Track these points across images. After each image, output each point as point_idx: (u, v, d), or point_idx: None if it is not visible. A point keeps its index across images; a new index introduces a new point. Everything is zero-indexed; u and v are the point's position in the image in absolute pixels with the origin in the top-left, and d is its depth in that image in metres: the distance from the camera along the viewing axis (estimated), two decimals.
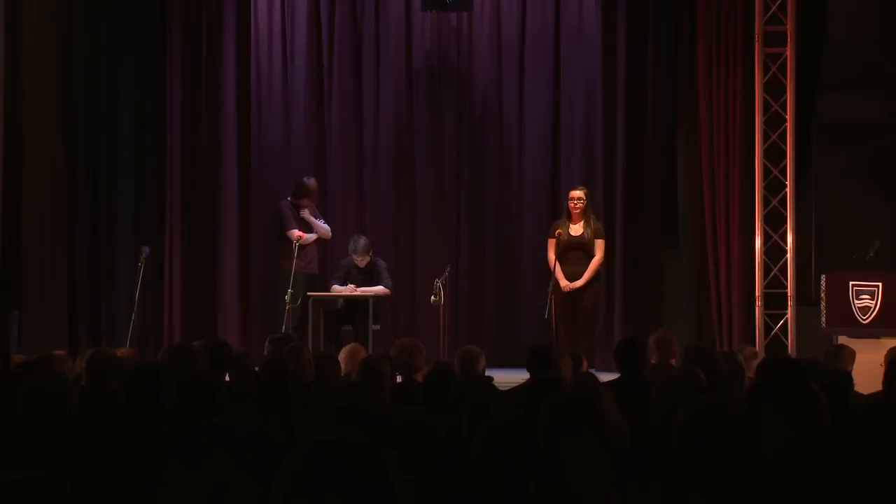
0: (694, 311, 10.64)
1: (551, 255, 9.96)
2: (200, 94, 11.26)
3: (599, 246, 10.03)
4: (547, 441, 3.03)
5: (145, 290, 10.36)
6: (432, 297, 9.97)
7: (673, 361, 6.64)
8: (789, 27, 10.31)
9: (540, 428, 3.22)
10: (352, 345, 7.10)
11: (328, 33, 11.41)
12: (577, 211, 9.99)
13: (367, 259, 10.30)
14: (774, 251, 10.37)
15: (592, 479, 3.25)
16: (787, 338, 10.19)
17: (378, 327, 10.23)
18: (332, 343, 9.86)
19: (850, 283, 9.55)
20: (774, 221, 10.36)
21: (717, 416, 3.18)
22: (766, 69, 10.35)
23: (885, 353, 7.10)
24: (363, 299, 10.16)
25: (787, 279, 10.30)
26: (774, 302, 10.33)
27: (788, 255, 10.32)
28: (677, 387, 4.61)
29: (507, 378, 7.62)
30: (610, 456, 3.12)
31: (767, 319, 10.30)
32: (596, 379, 5.28)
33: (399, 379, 6.17)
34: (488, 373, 5.46)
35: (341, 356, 6.69)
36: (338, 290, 10.26)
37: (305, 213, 10.46)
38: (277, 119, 11.41)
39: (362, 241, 10.32)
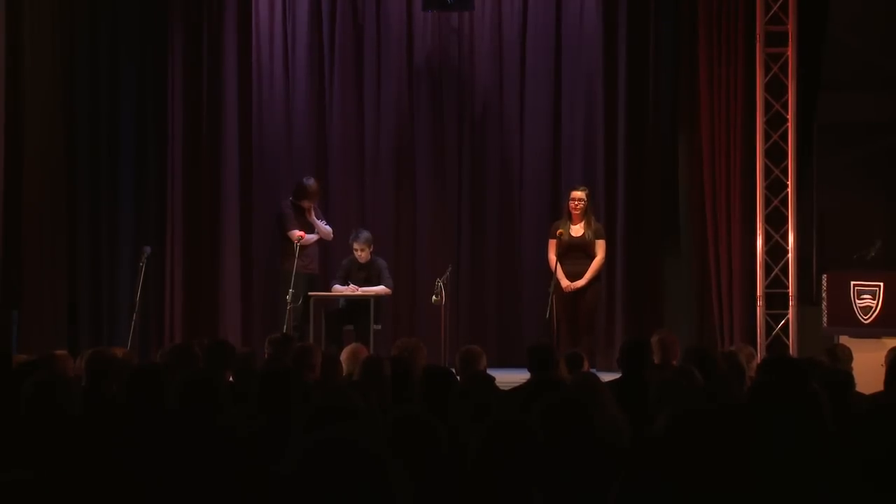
0: (695, 311, 10.63)
1: (552, 256, 9.96)
2: (201, 93, 11.26)
3: (600, 246, 10.03)
4: (544, 440, 3.03)
5: (146, 289, 10.36)
6: (433, 297, 9.97)
7: (675, 362, 6.64)
8: (790, 27, 10.31)
9: (536, 427, 3.22)
10: (353, 345, 7.09)
11: (329, 33, 11.41)
12: (578, 211, 9.99)
13: (368, 253, 10.27)
14: (776, 251, 10.37)
15: (588, 477, 3.26)
16: (788, 338, 10.19)
17: (379, 327, 10.23)
18: (334, 343, 9.85)
19: (852, 282, 9.54)
20: (775, 221, 10.36)
21: (702, 419, 3.18)
22: (767, 69, 10.35)
23: (886, 353, 7.09)
24: (364, 299, 10.16)
25: (788, 279, 10.30)
26: (776, 302, 10.33)
27: (790, 254, 10.32)
28: (673, 387, 4.62)
29: (509, 378, 7.62)
30: (604, 455, 3.12)
31: (769, 319, 10.31)
32: (597, 379, 5.27)
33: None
34: (489, 372, 5.45)
35: (343, 356, 6.68)
36: (339, 289, 10.26)
37: (310, 215, 10.46)
38: (278, 118, 11.40)
39: (364, 233, 10.32)
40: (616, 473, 3.27)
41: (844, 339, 8.81)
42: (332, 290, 10.32)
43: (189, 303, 11.15)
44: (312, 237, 10.45)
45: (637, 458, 3.54)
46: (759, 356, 8.78)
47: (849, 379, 5.14)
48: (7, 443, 4.10)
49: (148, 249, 10.30)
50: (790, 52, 10.32)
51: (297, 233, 10.30)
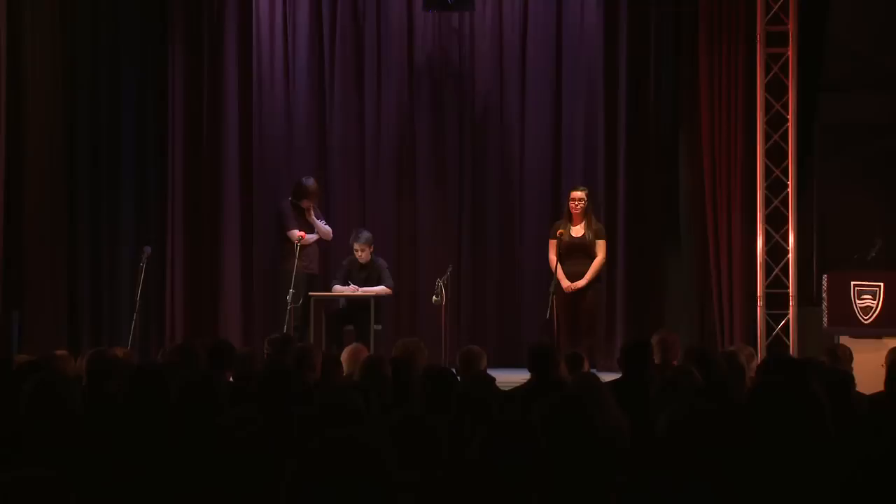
0: (695, 311, 10.64)
1: (552, 256, 9.96)
2: (202, 93, 11.26)
3: (601, 246, 10.03)
4: (544, 441, 3.03)
5: (147, 289, 10.36)
6: (434, 297, 9.97)
7: (675, 362, 6.64)
8: (791, 27, 10.31)
9: (536, 428, 3.22)
10: (354, 345, 7.09)
11: (329, 33, 11.41)
12: (578, 211, 9.99)
13: (369, 253, 10.26)
14: (776, 251, 10.37)
15: (588, 477, 3.26)
16: (788, 338, 10.19)
17: (380, 327, 10.23)
18: (334, 343, 9.86)
19: (852, 282, 9.54)
20: (776, 221, 10.37)
21: (703, 419, 3.19)
22: (767, 69, 10.35)
23: (886, 353, 7.09)
24: (365, 299, 10.16)
25: (788, 279, 10.30)
26: (776, 302, 10.34)
27: (790, 255, 10.32)
28: (674, 387, 4.62)
29: (509, 378, 7.62)
30: (605, 455, 3.12)
31: (769, 319, 10.31)
32: (598, 379, 5.27)
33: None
34: (490, 373, 5.45)
35: (343, 356, 6.68)
36: (339, 290, 10.26)
37: (310, 215, 10.47)
38: (279, 119, 11.41)
39: (365, 233, 10.33)
40: (617, 474, 3.27)
41: (845, 340, 8.81)
42: (333, 290, 10.32)
43: (189, 303, 11.15)
44: (312, 237, 10.46)
45: (638, 459, 3.54)
46: (760, 356, 8.79)
47: (849, 379, 5.14)
48: (8, 443, 4.11)
49: (148, 249, 10.30)
50: (791, 52, 10.32)
51: (297, 233, 10.30)
